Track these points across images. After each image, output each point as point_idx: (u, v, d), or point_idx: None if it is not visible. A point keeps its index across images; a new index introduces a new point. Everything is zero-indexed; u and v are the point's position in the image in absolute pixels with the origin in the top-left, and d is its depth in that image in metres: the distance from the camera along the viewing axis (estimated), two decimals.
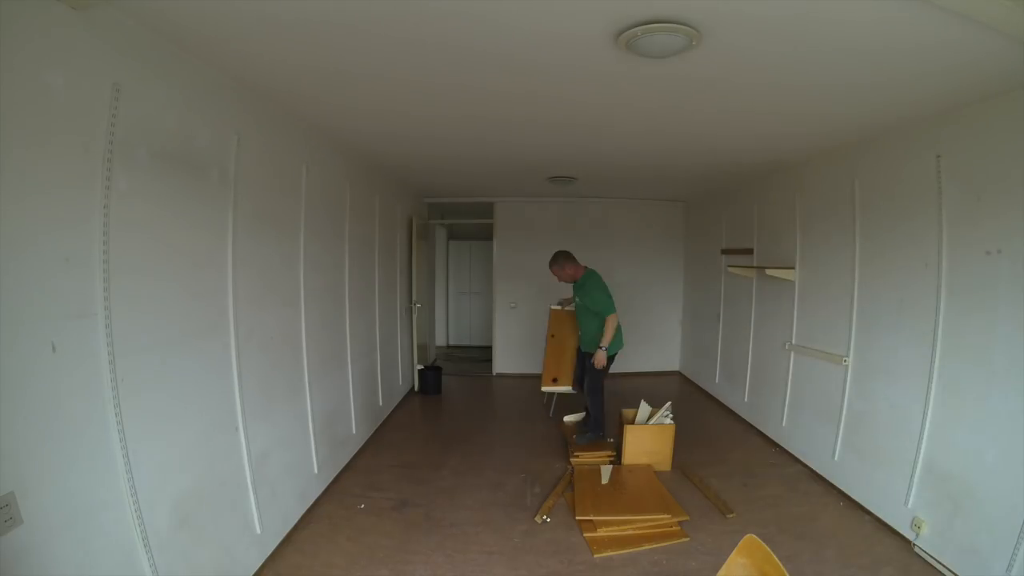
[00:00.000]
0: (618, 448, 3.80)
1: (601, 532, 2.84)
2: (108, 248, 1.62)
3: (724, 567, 1.56)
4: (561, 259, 4.10)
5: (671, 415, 3.82)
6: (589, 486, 3.37)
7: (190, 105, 2.06)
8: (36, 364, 1.42)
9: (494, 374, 6.74)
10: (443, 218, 7.70)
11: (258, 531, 2.47)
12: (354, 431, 3.90)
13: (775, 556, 1.41)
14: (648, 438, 3.72)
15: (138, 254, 1.78)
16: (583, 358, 4.25)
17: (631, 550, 2.70)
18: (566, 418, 4.67)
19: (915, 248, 2.74)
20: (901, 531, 2.74)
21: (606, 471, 3.55)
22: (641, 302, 6.73)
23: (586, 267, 4.19)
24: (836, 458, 3.36)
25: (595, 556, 2.64)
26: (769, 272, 4.06)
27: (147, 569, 1.76)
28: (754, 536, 1.53)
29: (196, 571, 2.03)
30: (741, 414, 4.89)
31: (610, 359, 3.94)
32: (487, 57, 2.05)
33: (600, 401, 4.02)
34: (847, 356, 3.27)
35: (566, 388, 4.83)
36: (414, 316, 5.72)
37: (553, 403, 5.19)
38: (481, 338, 8.23)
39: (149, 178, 1.83)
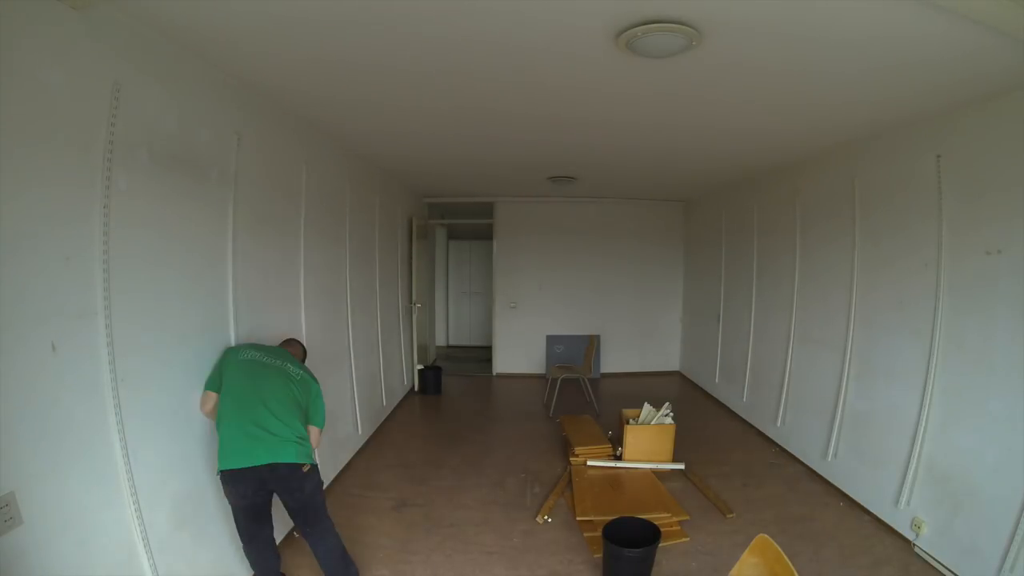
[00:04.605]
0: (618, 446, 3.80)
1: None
2: (108, 248, 1.62)
3: (736, 566, 1.56)
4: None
5: (671, 414, 3.83)
6: (589, 485, 3.37)
7: (190, 104, 2.06)
8: (36, 363, 1.42)
9: (494, 374, 6.74)
10: (443, 218, 7.70)
11: None
12: (355, 430, 3.90)
13: (785, 556, 1.41)
14: (648, 437, 3.72)
15: (138, 254, 1.78)
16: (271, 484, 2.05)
17: None
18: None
19: (915, 248, 2.74)
20: (901, 531, 2.74)
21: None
22: (641, 302, 6.74)
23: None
24: (835, 458, 3.36)
25: (595, 556, 2.64)
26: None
27: (147, 569, 1.76)
28: (766, 536, 1.53)
29: (196, 571, 2.03)
30: (741, 414, 4.89)
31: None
32: (485, 55, 2.05)
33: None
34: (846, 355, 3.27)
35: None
36: (414, 316, 5.72)
37: (553, 403, 5.19)
38: (481, 338, 8.23)
39: (149, 177, 1.83)
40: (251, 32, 1.87)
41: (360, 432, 4.00)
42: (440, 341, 8.36)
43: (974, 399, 2.38)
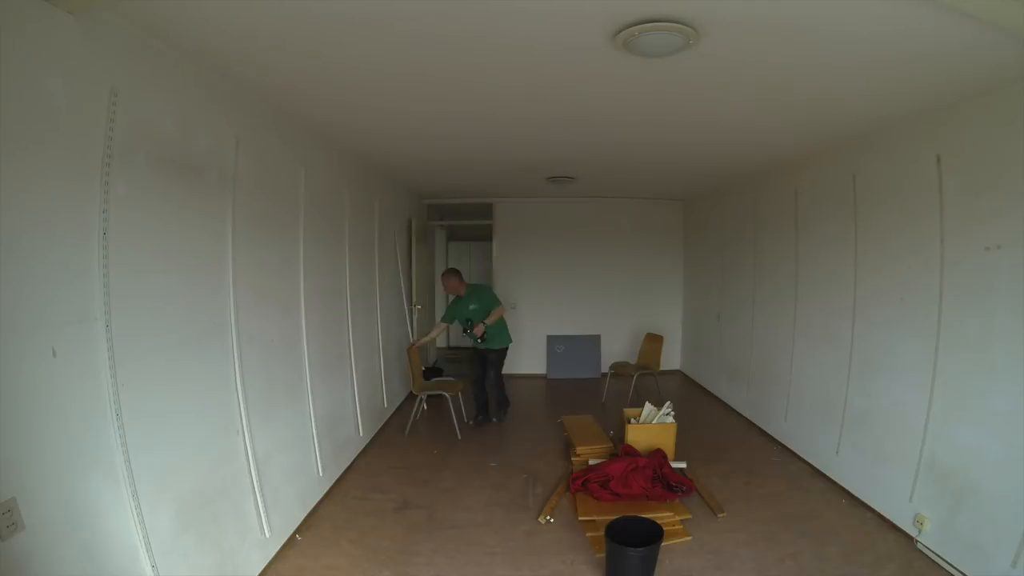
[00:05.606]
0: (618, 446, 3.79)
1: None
2: (107, 253, 1.62)
3: None
4: (450, 275, 4.77)
5: (672, 413, 3.82)
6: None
7: (188, 109, 2.06)
8: (37, 369, 1.42)
9: None
10: (443, 219, 7.70)
11: (260, 534, 2.47)
12: (357, 432, 3.90)
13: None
14: (650, 436, 3.71)
15: (138, 259, 1.78)
16: (483, 357, 4.83)
17: None
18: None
19: (915, 245, 2.74)
20: (904, 528, 2.74)
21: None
22: (641, 301, 6.73)
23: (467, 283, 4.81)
24: (838, 455, 3.36)
25: (598, 556, 2.63)
26: None
27: (149, 573, 1.76)
28: None
29: (199, 572, 2.03)
30: (742, 412, 4.88)
31: (503, 351, 4.78)
32: (484, 54, 2.05)
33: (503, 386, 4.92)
34: (849, 353, 3.27)
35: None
36: (415, 318, 5.72)
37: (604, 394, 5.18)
38: None
39: (148, 183, 1.83)
40: (249, 35, 1.86)
41: (361, 434, 4.00)
42: (440, 343, 8.33)
43: (976, 395, 2.38)
